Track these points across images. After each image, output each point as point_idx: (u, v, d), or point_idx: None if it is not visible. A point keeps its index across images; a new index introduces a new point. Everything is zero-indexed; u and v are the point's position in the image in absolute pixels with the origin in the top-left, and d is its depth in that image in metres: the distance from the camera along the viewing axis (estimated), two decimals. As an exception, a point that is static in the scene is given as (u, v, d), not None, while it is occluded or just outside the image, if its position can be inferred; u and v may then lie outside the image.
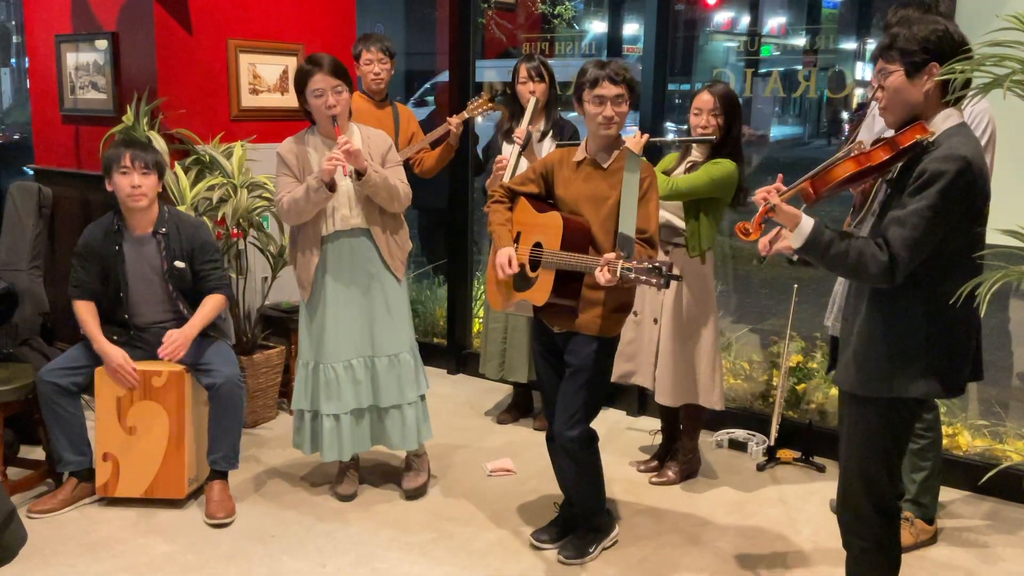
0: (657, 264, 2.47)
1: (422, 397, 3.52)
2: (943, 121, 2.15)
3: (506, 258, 2.86)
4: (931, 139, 2.12)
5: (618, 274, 2.53)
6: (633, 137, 3.34)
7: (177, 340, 3.26)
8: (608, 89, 2.78)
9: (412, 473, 3.58)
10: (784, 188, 2.21)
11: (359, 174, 3.13)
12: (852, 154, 2.16)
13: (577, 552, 3.04)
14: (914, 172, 2.09)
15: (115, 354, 3.27)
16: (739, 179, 3.39)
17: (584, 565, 3.02)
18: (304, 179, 3.19)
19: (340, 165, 3.04)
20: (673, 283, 3.43)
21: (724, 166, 3.34)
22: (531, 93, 3.92)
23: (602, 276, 2.56)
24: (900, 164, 2.17)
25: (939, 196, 2.04)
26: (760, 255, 2.29)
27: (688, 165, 3.47)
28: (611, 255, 2.57)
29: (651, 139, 3.38)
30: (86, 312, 3.35)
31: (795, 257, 2.30)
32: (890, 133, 2.21)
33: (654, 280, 2.46)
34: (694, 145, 3.47)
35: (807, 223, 2.15)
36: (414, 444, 3.46)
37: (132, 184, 3.24)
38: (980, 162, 2.10)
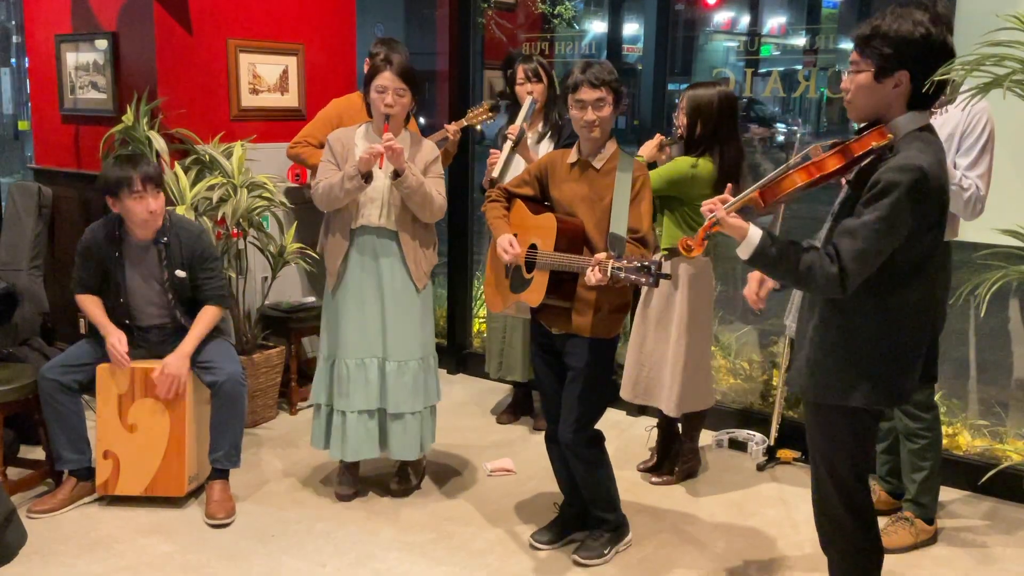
0: (646, 263, 2.46)
1: (432, 408, 3.52)
2: (906, 124, 2.10)
3: (507, 242, 2.86)
4: (889, 144, 2.06)
5: (608, 273, 2.52)
6: (652, 141, 3.44)
7: (172, 377, 3.25)
8: (587, 94, 2.78)
9: (401, 477, 3.57)
10: (731, 199, 2.17)
11: (396, 174, 3.14)
12: (804, 163, 2.10)
13: (593, 553, 3.03)
14: (869, 180, 2.04)
15: (113, 333, 3.29)
16: (726, 179, 3.34)
17: (585, 566, 3.02)
18: (344, 168, 3.22)
19: (378, 158, 3.07)
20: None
21: (676, 164, 3.36)
22: (529, 94, 3.92)
23: (593, 276, 2.55)
24: (852, 170, 2.12)
25: (890, 208, 1.98)
26: (756, 309, 2.25)
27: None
28: (602, 255, 2.56)
29: (664, 140, 3.41)
30: (89, 303, 3.37)
31: (779, 286, 2.27)
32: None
33: (643, 279, 2.45)
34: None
35: (754, 235, 2.10)
36: (414, 454, 3.45)
37: (149, 210, 3.21)
38: (936, 170, 2.03)
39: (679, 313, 3.45)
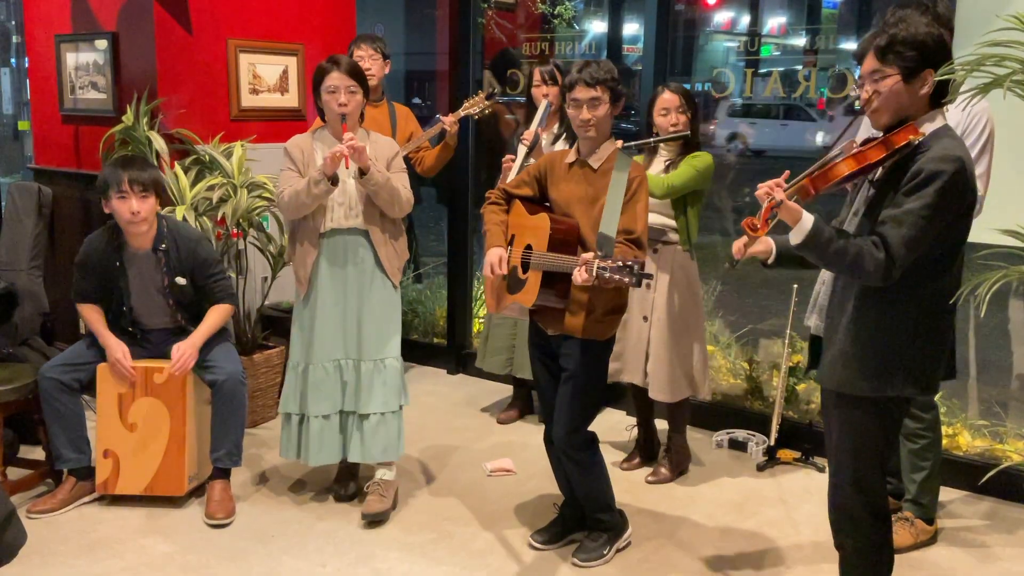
0: (629, 263, 2.45)
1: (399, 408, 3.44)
2: (930, 123, 2.19)
3: (496, 258, 2.86)
4: (920, 140, 2.14)
5: (594, 273, 2.50)
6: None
7: (185, 353, 3.28)
8: (582, 92, 2.78)
9: (375, 497, 3.32)
10: (786, 184, 2.21)
11: (362, 172, 3.14)
12: (849, 153, 2.16)
13: (592, 554, 3.03)
14: (907, 172, 2.12)
15: (116, 347, 3.29)
16: None
17: (584, 567, 3.02)
18: (307, 175, 3.20)
19: (343, 159, 3.05)
20: (666, 280, 3.48)
21: (704, 158, 3.45)
22: (544, 96, 3.95)
23: (579, 275, 2.53)
24: (887, 164, 2.19)
25: (936, 195, 2.06)
26: (733, 259, 2.26)
27: (666, 164, 3.51)
28: (589, 255, 2.54)
29: (625, 144, 3.38)
30: (90, 311, 3.37)
31: (769, 260, 2.29)
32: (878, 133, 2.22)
33: (626, 279, 2.44)
34: (661, 145, 3.52)
35: (808, 220, 2.15)
36: (396, 455, 3.37)
37: (131, 210, 3.20)
38: (971, 164, 2.14)
39: (697, 302, 3.58)
